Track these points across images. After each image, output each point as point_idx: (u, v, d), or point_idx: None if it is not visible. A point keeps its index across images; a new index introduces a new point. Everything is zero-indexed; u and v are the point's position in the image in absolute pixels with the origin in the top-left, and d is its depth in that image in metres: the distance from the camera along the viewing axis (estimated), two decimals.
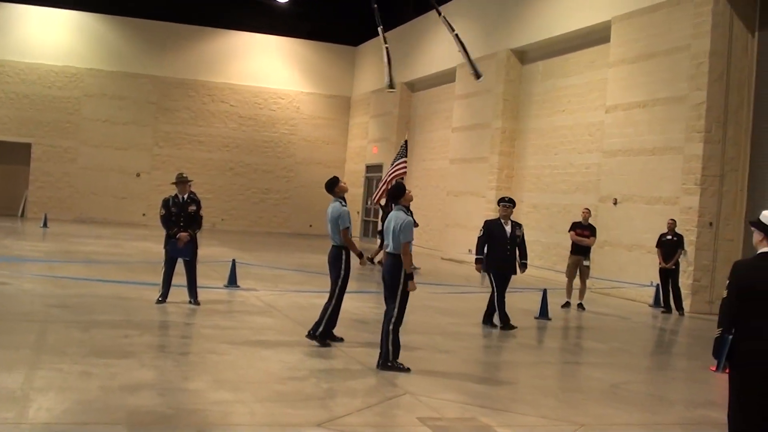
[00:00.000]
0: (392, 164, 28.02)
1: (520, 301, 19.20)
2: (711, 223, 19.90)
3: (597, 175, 24.20)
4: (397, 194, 10.91)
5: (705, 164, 19.79)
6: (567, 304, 18.80)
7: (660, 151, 21.18)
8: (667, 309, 19.45)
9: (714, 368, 12.20)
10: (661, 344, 16.36)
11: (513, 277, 15.27)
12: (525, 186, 28.62)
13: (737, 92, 20.09)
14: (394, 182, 24.63)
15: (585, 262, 19.01)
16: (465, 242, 29.51)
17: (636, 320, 18.23)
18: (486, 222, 15.42)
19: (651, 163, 21.48)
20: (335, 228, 11.99)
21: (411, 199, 11.14)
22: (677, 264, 19.41)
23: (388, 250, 10.61)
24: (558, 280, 23.15)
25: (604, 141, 23.65)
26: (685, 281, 19.88)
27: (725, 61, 19.93)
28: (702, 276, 19.93)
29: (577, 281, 19.05)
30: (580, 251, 18.95)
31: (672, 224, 19.49)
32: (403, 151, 28.11)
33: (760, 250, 6.28)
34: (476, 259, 15.14)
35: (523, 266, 15.20)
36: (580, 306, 18.76)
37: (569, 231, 19.32)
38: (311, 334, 11.75)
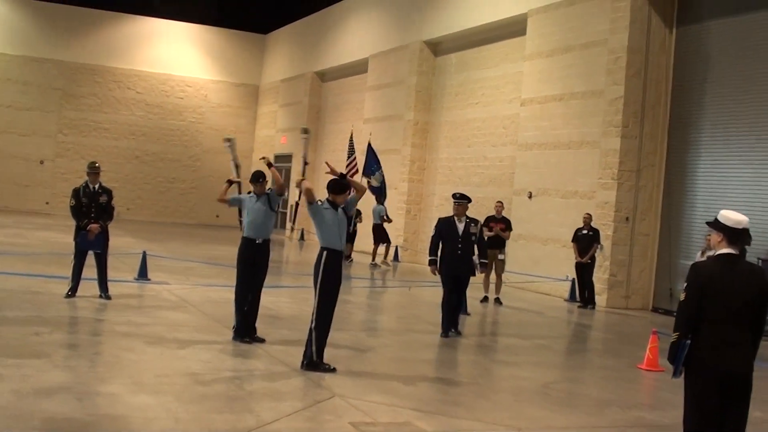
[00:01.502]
0: (347, 163, 27.46)
1: (437, 296, 18.94)
2: (627, 218, 19.93)
3: (511, 168, 24.12)
4: (333, 189, 10.35)
5: (622, 159, 19.79)
6: (485, 299, 18.64)
7: (576, 145, 21.14)
8: (584, 304, 19.39)
9: (642, 366, 12.14)
10: (583, 341, 16.22)
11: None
12: (437, 178, 28.46)
13: (654, 88, 20.13)
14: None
15: (500, 256, 18.84)
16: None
17: (553, 315, 18.14)
18: (438, 220, 14.35)
19: (567, 157, 21.43)
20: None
21: (342, 201, 10.50)
22: (593, 258, 19.36)
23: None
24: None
25: (518, 134, 23.57)
26: (601, 276, 19.87)
27: (643, 57, 19.95)
28: (618, 271, 19.94)
29: (493, 275, 18.86)
30: (496, 245, 18.72)
31: (588, 219, 19.44)
32: (351, 147, 27.71)
33: (719, 251, 6.04)
34: (429, 260, 14.14)
35: (482, 265, 14.29)
36: (498, 300, 18.61)
37: (483, 226, 19.05)
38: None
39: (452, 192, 26.59)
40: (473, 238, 13.86)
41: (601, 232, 19.52)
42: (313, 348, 10.01)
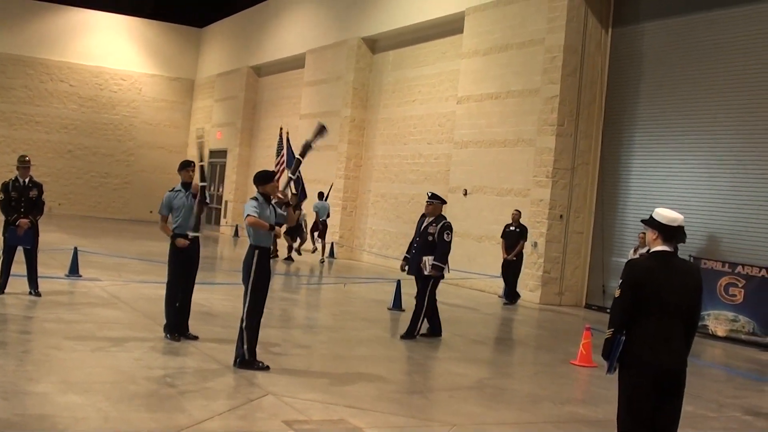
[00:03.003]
0: (277, 161, 27.24)
1: (372, 292, 19.00)
2: (561, 216, 20.06)
3: (447, 165, 24.17)
4: (260, 180, 10.29)
5: (557, 157, 19.92)
6: None
7: (512, 143, 21.24)
8: (509, 300, 19.52)
9: (575, 362, 12.22)
10: (517, 337, 16.25)
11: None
12: (373, 175, 28.44)
13: (590, 87, 20.30)
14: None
15: None
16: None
17: (488, 312, 18.19)
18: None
19: (502, 155, 21.52)
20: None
21: (274, 191, 10.43)
22: (519, 255, 19.47)
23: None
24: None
25: (454, 132, 23.62)
26: (534, 273, 20.01)
27: (579, 56, 20.12)
28: (552, 268, 20.07)
29: None
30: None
31: (516, 215, 19.55)
32: (280, 144, 27.51)
33: (653, 249, 6.08)
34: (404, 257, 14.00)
35: (433, 267, 13.28)
36: None
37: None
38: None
39: (387, 189, 26.83)
40: (429, 238, 13.37)
41: (534, 230, 19.68)
42: (245, 346, 9.92)
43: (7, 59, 40.36)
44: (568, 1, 20.00)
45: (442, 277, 13.69)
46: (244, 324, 9.90)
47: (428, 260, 13.30)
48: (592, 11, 20.23)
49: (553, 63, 20.14)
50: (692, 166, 18.33)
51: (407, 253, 13.89)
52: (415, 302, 13.64)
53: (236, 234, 35.55)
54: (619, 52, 20.34)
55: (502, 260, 19.54)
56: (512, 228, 19.47)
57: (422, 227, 13.50)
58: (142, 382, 8.84)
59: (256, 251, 9.95)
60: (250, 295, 9.91)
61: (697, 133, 18.33)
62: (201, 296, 14.55)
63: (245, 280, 9.95)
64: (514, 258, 19.35)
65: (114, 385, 8.66)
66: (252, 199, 10.08)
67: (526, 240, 19.53)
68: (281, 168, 26.23)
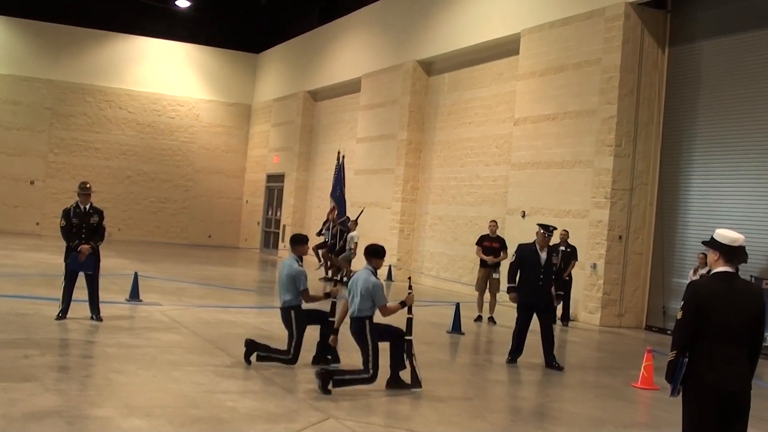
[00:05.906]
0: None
1: (431, 315, 18.93)
2: (620, 237, 19.89)
3: (504, 187, 24.09)
4: (374, 254, 10.60)
5: (615, 178, 19.78)
6: (479, 318, 18.56)
7: (569, 164, 21.13)
8: (562, 321, 19.42)
9: (637, 384, 12.09)
10: (578, 359, 16.05)
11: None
12: (430, 198, 28.43)
13: (647, 107, 20.16)
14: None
15: (494, 275, 18.81)
16: None
17: None
18: (519, 246, 14.03)
19: (560, 176, 21.42)
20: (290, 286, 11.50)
21: (380, 266, 10.77)
22: (570, 276, 19.37)
23: (353, 314, 10.37)
24: (464, 293, 22.98)
25: (512, 153, 23.54)
26: (594, 294, 19.85)
27: (636, 76, 19.98)
28: (611, 289, 19.88)
29: (487, 294, 18.81)
30: (490, 264, 18.77)
31: (565, 235, 19.42)
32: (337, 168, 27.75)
33: (715, 270, 6.00)
34: (508, 288, 13.92)
35: (557, 297, 13.69)
36: (491, 320, 18.53)
37: (476, 244, 19.13)
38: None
39: (445, 212, 26.77)
40: (554, 268, 13.55)
41: (593, 251, 19.56)
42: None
43: (66, 87, 41.02)
44: (624, 20, 19.89)
45: None
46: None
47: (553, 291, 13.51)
48: (649, 31, 20.09)
49: (610, 83, 20.02)
50: (753, 185, 18.08)
51: (513, 282, 13.71)
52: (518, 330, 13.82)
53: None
54: (676, 72, 20.16)
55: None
56: (561, 248, 19.34)
57: (545, 259, 13.45)
58: (203, 406, 8.89)
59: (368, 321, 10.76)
60: (372, 356, 10.57)
61: (757, 152, 18.09)
62: (261, 320, 14.69)
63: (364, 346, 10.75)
64: (567, 278, 19.25)
65: (176, 409, 8.73)
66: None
67: (577, 260, 19.45)
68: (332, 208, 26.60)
